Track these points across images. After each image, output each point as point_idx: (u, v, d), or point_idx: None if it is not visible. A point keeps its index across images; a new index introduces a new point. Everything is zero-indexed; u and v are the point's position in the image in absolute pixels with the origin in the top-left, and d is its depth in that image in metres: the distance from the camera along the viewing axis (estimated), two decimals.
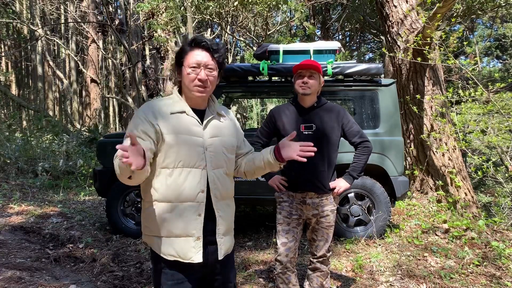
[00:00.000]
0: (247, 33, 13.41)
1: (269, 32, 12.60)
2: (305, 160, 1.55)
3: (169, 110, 1.55)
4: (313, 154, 1.57)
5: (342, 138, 2.51)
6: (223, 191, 1.61)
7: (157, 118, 1.51)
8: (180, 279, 1.53)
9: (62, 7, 17.09)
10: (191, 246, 1.51)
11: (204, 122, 1.59)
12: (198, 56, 1.53)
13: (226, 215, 1.62)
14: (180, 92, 1.63)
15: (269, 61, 4.18)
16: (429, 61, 5.01)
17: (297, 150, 1.56)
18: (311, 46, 4.22)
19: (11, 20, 15.46)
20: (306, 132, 2.40)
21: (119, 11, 19.51)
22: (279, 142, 1.64)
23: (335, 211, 2.49)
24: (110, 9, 19.01)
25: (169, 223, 1.51)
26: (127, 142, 1.34)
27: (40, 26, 15.51)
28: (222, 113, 1.68)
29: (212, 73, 1.55)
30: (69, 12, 16.14)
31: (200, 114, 1.60)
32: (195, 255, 1.51)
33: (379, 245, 3.95)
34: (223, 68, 1.63)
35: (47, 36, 16.20)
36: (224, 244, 1.60)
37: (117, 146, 1.26)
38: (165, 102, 1.59)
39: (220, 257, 1.59)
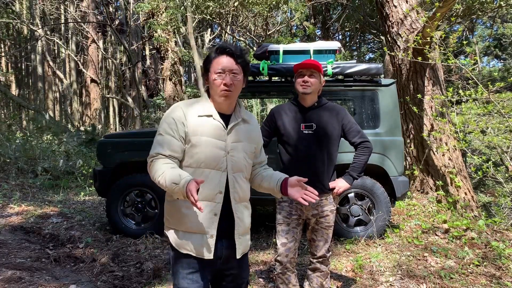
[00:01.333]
0: (247, 33, 13.41)
1: (269, 32, 12.61)
2: (306, 203, 1.63)
3: (197, 112, 1.65)
4: (314, 201, 1.64)
5: (342, 138, 2.51)
6: (242, 194, 1.70)
7: (187, 119, 1.62)
8: (194, 269, 1.63)
9: (62, 7, 17.09)
10: (204, 242, 1.61)
11: (229, 126, 1.67)
12: (223, 62, 1.63)
13: (244, 216, 1.71)
14: (209, 96, 1.72)
15: (269, 61, 4.18)
16: (429, 61, 5.01)
17: (302, 194, 1.64)
18: (311, 46, 4.22)
19: (11, 20, 15.46)
20: (307, 132, 2.40)
21: (119, 11, 19.51)
22: (289, 178, 1.69)
23: (335, 211, 2.49)
24: (110, 9, 19.01)
25: (187, 219, 1.61)
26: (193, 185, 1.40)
27: (40, 26, 15.52)
28: (246, 119, 1.76)
29: (237, 77, 1.64)
30: (69, 12, 16.15)
31: (226, 118, 1.69)
32: (207, 252, 1.61)
33: (379, 245, 3.95)
34: (248, 72, 1.72)
35: (47, 36, 16.21)
36: (242, 244, 1.69)
37: (193, 200, 1.38)
38: (194, 104, 1.69)
39: (238, 256, 1.68)
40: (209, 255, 1.61)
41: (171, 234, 1.68)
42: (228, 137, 1.66)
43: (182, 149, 1.62)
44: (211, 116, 1.65)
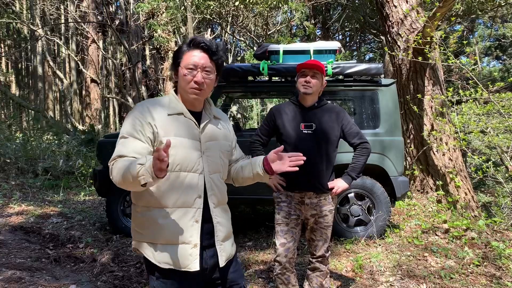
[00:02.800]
0: (247, 33, 13.41)
1: (269, 32, 12.61)
2: (297, 169, 1.50)
3: (166, 111, 1.49)
4: (301, 162, 1.51)
5: (341, 139, 2.52)
6: (220, 196, 1.57)
7: (155, 119, 1.45)
8: (179, 285, 1.47)
9: (62, 7, 17.10)
10: (187, 253, 1.45)
11: (202, 125, 1.53)
12: (196, 57, 1.47)
13: (224, 220, 1.58)
14: (175, 92, 1.58)
15: (269, 61, 4.18)
16: (429, 61, 5.01)
17: (287, 163, 1.51)
18: (311, 46, 4.22)
19: (11, 20, 15.46)
20: (306, 131, 2.41)
21: (119, 11, 19.52)
22: (267, 155, 1.57)
23: (333, 211, 2.50)
24: (110, 9, 19.02)
25: (164, 230, 1.44)
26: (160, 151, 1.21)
27: (40, 26, 15.51)
28: (218, 116, 1.63)
29: (209, 76, 1.50)
30: (69, 12, 16.15)
31: (196, 116, 1.54)
32: (192, 263, 1.45)
33: (379, 245, 3.95)
34: (221, 71, 1.57)
35: (47, 36, 16.21)
36: (225, 250, 1.55)
37: (155, 156, 1.19)
38: (162, 102, 1.53)
39: (221, 264, 1.53)
40: (195, 267, 1.44)
41: (146, 250, 1.47)
42: (202, 136, 1.51)
43: (149, 151, 1.42)
44: (181, 114, 1.50)
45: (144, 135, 1.43)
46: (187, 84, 1.48)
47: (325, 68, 4.03)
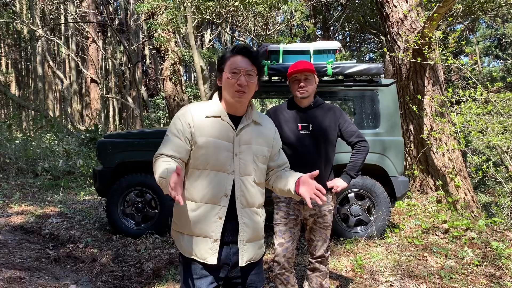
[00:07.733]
0: (247, 33, 13.41)
1: (269, 32, 12.61)
2: (311, 206, 1.56)
3: (205, 113, 1.61)
4: (321, 202, 1.57)
5: (339, 138, 2.51)
6: (250, 198, 1.63)
7: (193, 120, 1.58)
8: (198, 274, 1.58)
9: (62, 7, 17.10)
10: (207, 247, 1.56)
11: (238, 128, 1.61)
12: (239, 62, 1.58)
13: (252, 222, 1.64)
14: (220, 98, 1.68)
15: (269, 61, 4.18)
16: (429, 61, 5.02)
17: (311, 193, 1.54)
18: (311, 46, 4.22)
19: (11, 20, 15.47)
20: (303, 132, 2.40)
21: (119, 11, 19.51)
22: (301, 176, 1.61)
23: (333, 211, 2.49)
24: (110, 9, 19.02)
25: (191, 222, 1.57)
26: (173, 175, 1.31)
27: (40, 26, 15.52)
28: (259, 121, 1.69)
29: (251, 78, 1.59)
30: (69, 12, 16.15)
31: (237, 120, 1.63)
32: (211, 257, 1.55)
33: (379, 245, 3.95)
34: (262, 75, 1.68)
35: (47, 36, 16.21)
36: (248, 251, 1.62)
37: (170, 190, 1.29)
38: (203, 105, 1.65)
39: (242, 264, 1.60)
40: (212, 260, 1.55)
41: (177, 238, 1.64)
42: (237, 138, 1.60)
43: (186, 150, 1.57)
44: (219, 117, 1.60)
45: (183, 135, 1.57)
46: (231, 87, 1.58)
47: (325, 68, 4.03)
